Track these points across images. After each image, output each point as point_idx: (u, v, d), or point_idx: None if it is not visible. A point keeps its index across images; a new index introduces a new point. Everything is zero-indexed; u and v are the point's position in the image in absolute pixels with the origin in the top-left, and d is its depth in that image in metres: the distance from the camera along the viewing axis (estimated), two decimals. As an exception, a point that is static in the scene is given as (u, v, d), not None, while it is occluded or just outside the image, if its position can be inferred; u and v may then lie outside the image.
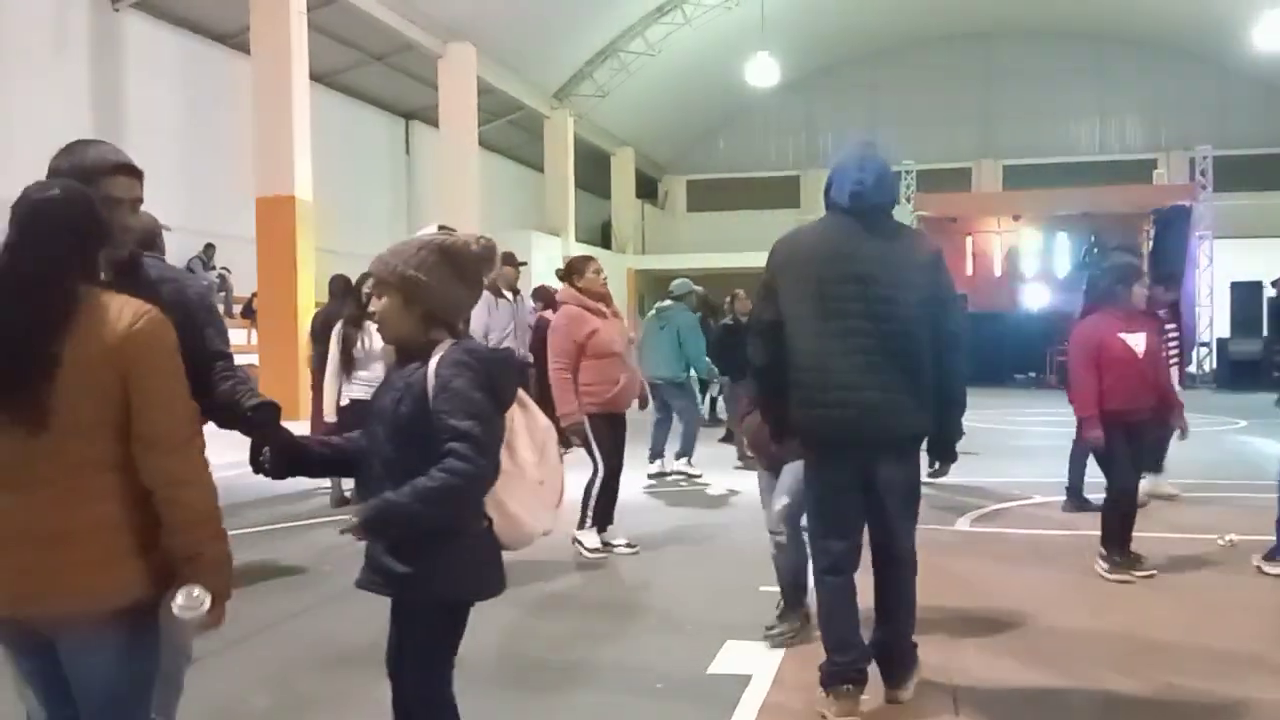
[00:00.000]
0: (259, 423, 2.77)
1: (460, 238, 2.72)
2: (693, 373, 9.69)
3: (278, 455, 2.69)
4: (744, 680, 4.14)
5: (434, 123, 20.35)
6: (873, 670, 3.81)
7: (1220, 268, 21.77)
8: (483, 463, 2.46)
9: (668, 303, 10.01)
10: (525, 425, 2.70)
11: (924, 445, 3.80)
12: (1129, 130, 30.46)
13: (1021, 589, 5.48)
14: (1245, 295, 20.49)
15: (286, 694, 4.14)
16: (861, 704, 3.71)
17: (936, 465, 3.87)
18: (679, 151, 33.27)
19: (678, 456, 9.64)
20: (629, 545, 6.44)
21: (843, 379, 3.58)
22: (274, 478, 2.70)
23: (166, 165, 13.71)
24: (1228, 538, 6.27)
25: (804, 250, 3.76)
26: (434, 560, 2.56)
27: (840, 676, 3.70)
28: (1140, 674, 4.19)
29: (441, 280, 2.63)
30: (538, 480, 2.68)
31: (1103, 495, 5.81)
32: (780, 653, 4.47)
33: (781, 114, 31.72)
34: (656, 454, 9.59)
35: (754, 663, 4.33)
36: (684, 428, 9.61)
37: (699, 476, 9.48)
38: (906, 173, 23.00)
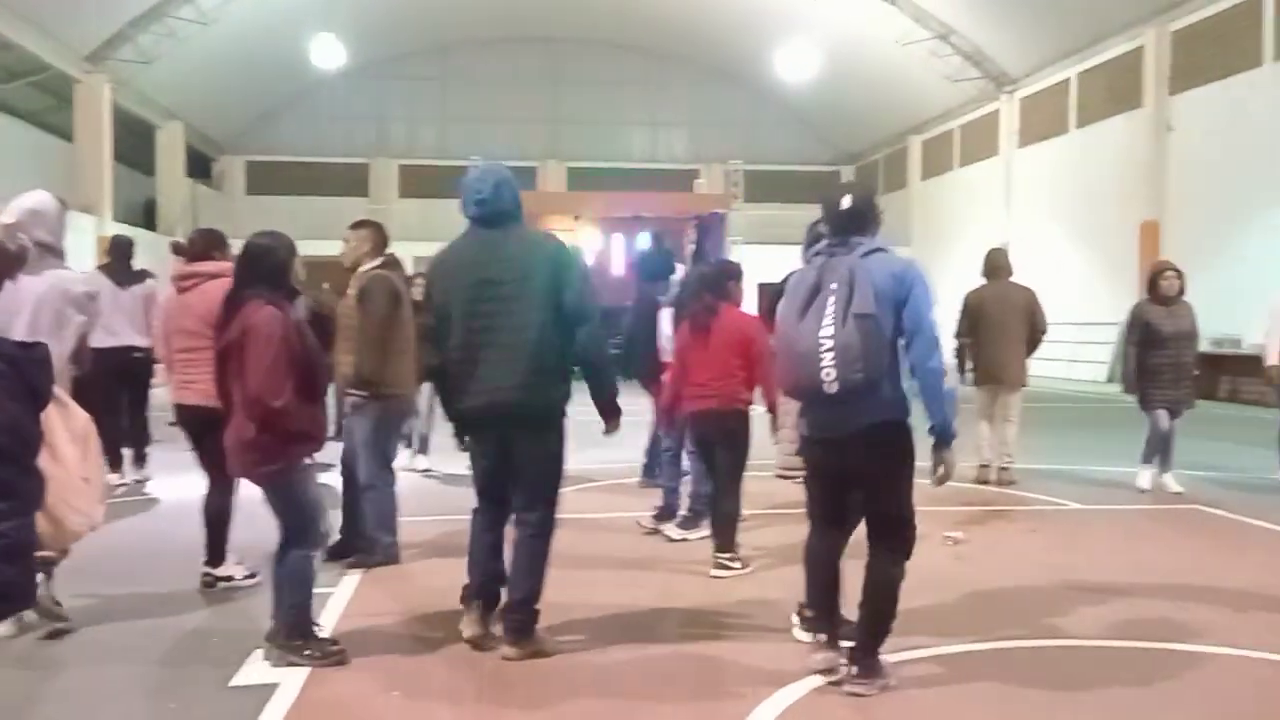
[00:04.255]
0: None
1: None
2: None
3: None
4: (269, 690, 3.93)
5: (-68, 75, 17.50)
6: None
7: (750, 270, 24.19)
8: (24, 497, 2.28)
9: None
10: (63, 422, 2.49)
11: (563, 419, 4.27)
12: (675, 142, 33.18)
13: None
14: (772, 296, 22.89)
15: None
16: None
17: (605, 427, 4.36)
18: (238, 129, 31.30)
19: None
20: None
21: (484, 370, 4.11)
22: None
23: None
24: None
25: (448, 261, 4.28)
26: None
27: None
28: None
29: None
30: (82, 477, 2.54)
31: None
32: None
33: (351, 100, 30.95)
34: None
35: (282, 671, 4.12)
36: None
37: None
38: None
